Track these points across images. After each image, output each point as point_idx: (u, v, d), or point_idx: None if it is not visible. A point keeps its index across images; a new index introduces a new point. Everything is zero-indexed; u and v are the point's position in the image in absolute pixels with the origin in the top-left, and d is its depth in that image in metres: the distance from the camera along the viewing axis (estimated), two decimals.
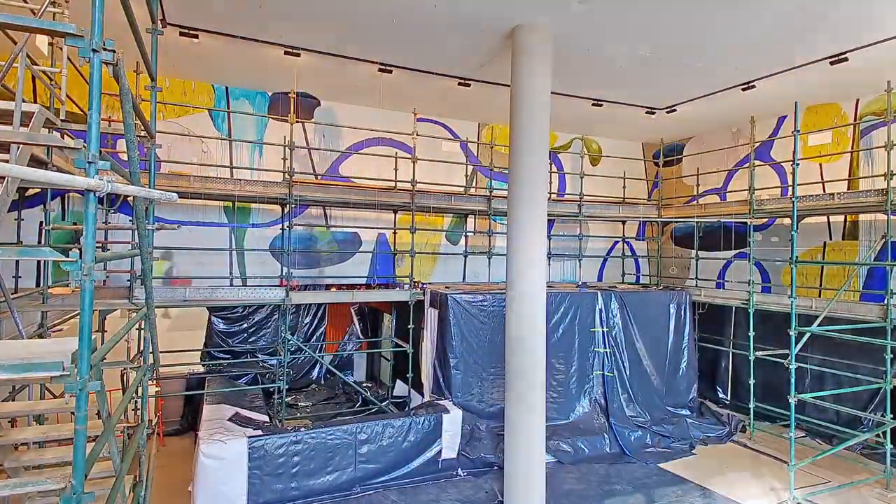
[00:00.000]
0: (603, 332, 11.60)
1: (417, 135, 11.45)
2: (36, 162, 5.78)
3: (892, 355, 8.96)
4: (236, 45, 9.19)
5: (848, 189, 11.39)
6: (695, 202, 14.62)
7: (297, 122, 11.65)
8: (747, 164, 12.40)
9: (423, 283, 11.92)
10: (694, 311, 12.81)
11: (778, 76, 10.12)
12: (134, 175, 4.55)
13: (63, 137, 5.39)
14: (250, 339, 12.58)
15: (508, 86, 8.57)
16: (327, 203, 11.87)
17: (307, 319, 13.58)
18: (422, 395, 11.19)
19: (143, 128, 5.79)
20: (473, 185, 14.15)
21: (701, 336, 13.38)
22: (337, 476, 8.82)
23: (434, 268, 13.56)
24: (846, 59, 9.05)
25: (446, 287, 11.54)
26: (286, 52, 9.36)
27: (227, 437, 8.28)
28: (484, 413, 10.31)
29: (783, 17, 7.82)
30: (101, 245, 9.85)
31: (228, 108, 11.64)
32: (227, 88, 11.66)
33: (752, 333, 11.30)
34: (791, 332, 8.50)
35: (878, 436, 9.37)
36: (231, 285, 11.13)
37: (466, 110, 13.16)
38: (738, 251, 13.73)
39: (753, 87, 10.63)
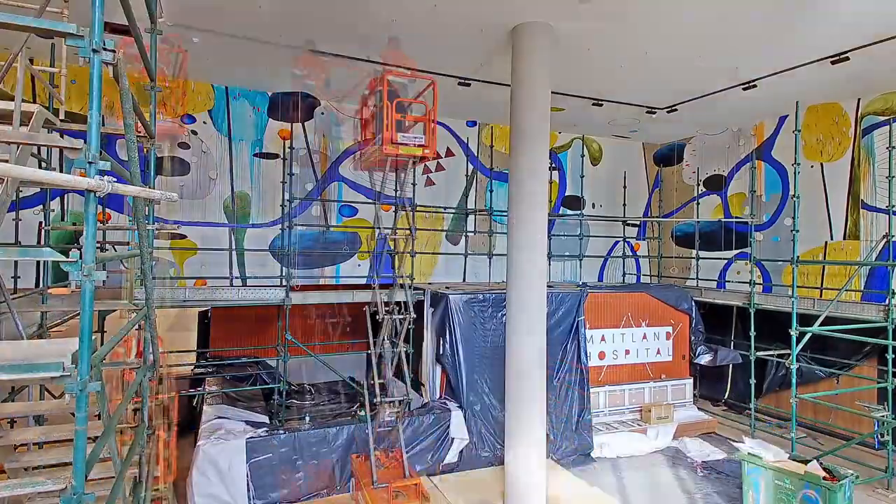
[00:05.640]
0: None
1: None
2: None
3: (893, 355, 8.95)
4: (236, 45, 9.17)
5: (850, 188, 11.39)
6: (695, 202, 14.62)
7: (297, 122, 11.66)
8: (748, 164, 12.39)
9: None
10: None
11: (778, 76, 10.11)
12: (134, 175, 4.54)
13: (62, 137, 5.37)
14: None
15: (508, 86, 8.56)
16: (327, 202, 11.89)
17: None
18: (422, 396, 11.18)
19: (142, 128, 5.78)
20: (473, 185, 14.15)
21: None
22: (337, 476, 8.81)
23: (434, 268, 13.55)
24: (847, 59, 9.04)
25: (447, 287, 11.53)
26: (286, 52, 9.34)
27: (227, 437, 8.28)
28: (487, 413, 10.30)
29: (784, 17, 7.81)
30: (100, 245, 9.83)
31: (228, 108, 11.62)
32: (226, 88, 11.64)
33: (753, 333, 11.28)
34: (792, 333, 8.49)
35: (882, 435, 9.36)
36: (231, 285, 11.12)
37: (466, 110, 13.14)
38: (738, 251, 13.72)
39: (755, 86, 10.61)
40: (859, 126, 11.32)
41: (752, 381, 11.33)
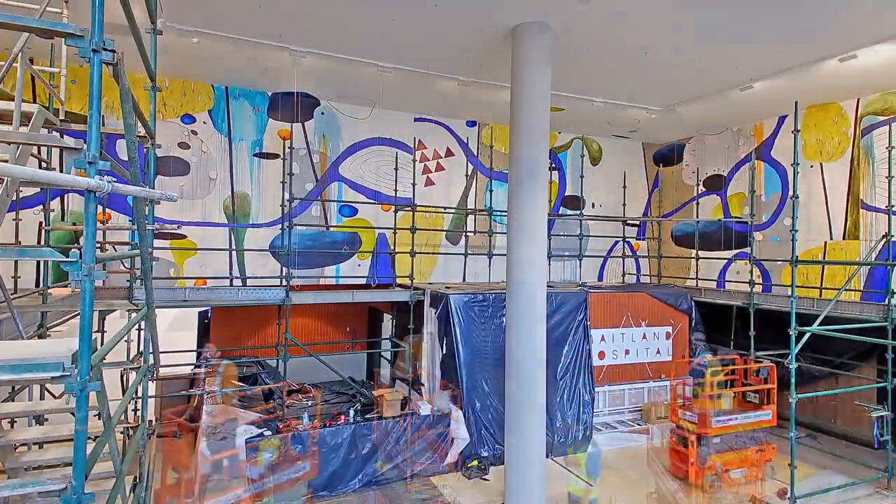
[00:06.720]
0: None
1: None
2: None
3: (893, 355, 8.95)
4: (236, 45, 9.17)
5: (849, 188, 11.39)
6: (695, 202, 14.61)
7: (297, 122, 11.66)
8: (748, 164, 12.39)
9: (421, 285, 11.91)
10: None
11: (778, 76, 10.11)
12: (134, 175, 4.54)
13: (62, 137, 5.37)
14: None
15: (508, 86, 8.55)
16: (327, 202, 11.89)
17: None
18: (422, 395, 11.18)
19: (142, 128, 5.77)
20: (473, 184, 14.14)
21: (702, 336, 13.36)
22: (337, 475, 8.81)
23: (434, 268, 13.54)
24: (847, 59, 9.04)
25: (447, 287, 11.53)
26: (286, 52, 9.34)
27: (227, 436, 8.28)
28: (487, 413, 10.29)
29: (784, 17, 7.81)
30: (100, 245, 9.82)
31: (228, 108, 11.61)
32: (226, 88, 11.64)
33: (752, 333, 11.28)
34: (791, 332, 8.48)
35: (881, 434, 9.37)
36: (231, 285, 11.12)
37: (466, 110, 13.14)
38: (738, 251, 13.72)
39: (754, 86, 10.60)
40: (859, 126, 11.31)
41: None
